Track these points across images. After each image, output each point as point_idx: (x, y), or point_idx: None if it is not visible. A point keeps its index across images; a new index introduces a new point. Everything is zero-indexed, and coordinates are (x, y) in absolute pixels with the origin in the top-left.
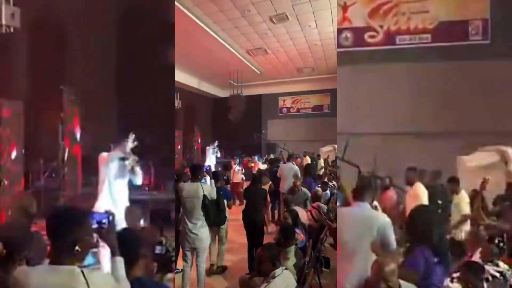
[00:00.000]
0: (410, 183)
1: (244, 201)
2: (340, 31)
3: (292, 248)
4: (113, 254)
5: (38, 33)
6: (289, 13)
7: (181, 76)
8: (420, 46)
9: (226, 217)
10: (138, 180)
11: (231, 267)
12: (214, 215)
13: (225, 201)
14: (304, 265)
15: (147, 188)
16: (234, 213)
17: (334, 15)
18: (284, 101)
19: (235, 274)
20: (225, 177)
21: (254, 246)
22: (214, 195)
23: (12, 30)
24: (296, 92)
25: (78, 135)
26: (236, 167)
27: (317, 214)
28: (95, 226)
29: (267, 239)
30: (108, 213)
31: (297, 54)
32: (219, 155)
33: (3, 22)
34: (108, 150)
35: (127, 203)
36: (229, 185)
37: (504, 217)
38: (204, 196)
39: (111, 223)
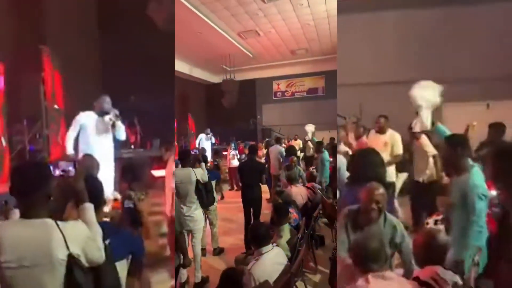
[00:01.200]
0: (381, 131)
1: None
2: None
3: (286, 226)
4: (82, 201)
5: None
6: None
7: None
8: None
9: (214, 198)
10: (122, 135)
11: (229, 249)
12: (205, 196)
13: (213, 183)
14: (297, 242)
15: (132, 146)
16: (235, 196)
17: None
18: (278, 85)
19: (232, 255)
20: (215, 162)
21: (249, 223)
22: (206, 178)
23: None
24: (290, 75)
25: (60, 95)
26: (232, 152)
27: (311, 193)
28: (60, 173)
29: (263, 218)
30: (75, 161)
31: (290, 35)
32: (213, 141)
33: None
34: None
35: (111, 160)
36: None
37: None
38: (197, 180)
39: (78, 170)
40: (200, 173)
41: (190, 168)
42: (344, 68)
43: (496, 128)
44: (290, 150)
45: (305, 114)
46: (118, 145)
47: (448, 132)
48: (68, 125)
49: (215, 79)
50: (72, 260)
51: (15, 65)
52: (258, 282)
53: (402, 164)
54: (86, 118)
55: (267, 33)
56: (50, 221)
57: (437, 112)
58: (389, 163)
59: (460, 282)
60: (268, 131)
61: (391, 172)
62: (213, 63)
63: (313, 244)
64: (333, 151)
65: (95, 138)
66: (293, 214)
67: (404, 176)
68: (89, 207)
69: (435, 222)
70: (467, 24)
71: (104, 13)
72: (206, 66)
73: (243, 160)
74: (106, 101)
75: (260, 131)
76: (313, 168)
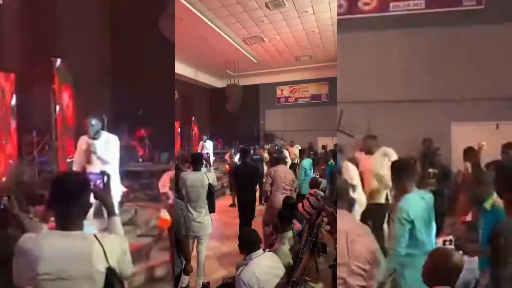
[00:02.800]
0: (369, 152)
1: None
2: None
3: (288, 233)
4: (110, 214)
5: (27, 3)
6: None
7: (177, 67)
8: (413, 12)
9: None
10: (105, 161)
11: (230, 254)
12: (213, 202)
13: None
14: (300, 249)
15: (140, 160)
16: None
17: (331, 0)
18: (281, 90)
19: (233, 260)
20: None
21: (244, 226)
22: (215, 182)
23: (1, 1)
24: (293, 81)
25: (70, 107)
26: (235, 157)
27: (315, 200)
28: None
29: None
30: (103, 174)
31: (294, 42)
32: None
33: None
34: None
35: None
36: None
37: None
38: (209, 184)
39: (107, 183)
40: (212, 177)
41: (203, 172)
42: (344, 86)
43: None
44: (313, 184)
45: (308, 120)
46: (127, 158)
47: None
48: (76, 138)
49: (219, 83)
50: (110, 273)
51: (26, 76)
52: (248, 285)
53: None
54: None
55: (272, 39)
56: (89, 233)
57: (445, 132)
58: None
59: None
60: (271, 136)
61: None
62: (218, 68)
63: (316, 252)
64: (334, 158)
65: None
66: (297, 225)
67: None
68: (118, 220)
69: None
70: (475, 44)
71: (116, 27)
72: (211, 71)
73: (237, 164)
74: (90, 129)
75: (263, 136)
76: (316, 175)
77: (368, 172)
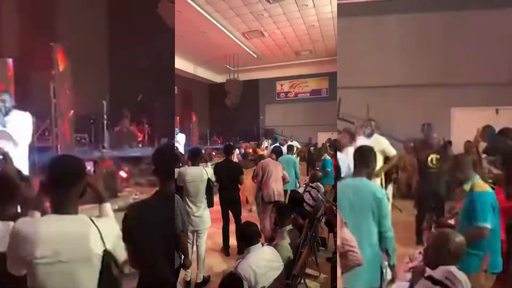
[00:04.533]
0: (370, 135)
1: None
2: None
3: (288, 227)
4: (101, 200)
5: None
6: None
7: (176, 62)
8: None
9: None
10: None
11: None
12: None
13: None
14: (300, 244)
15: (140, 145)
16: None
17: None
18: (281, 85)
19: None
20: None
21: (227, 225)
22: (213, 177)
23: None
24: (294, 76)
25: (69, 93)
26: (236, 151)
27: (316, 193)
28: None
29: (249, 218)
30: (3, 155)
31: (295, 36)
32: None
33: None
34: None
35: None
36: None
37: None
38: (209, 179)
39: (8, 163)
40: (211, 172)
41: (201, 167)
42: (344, 70)
43: (506, 134)
44: (313, 178)
45: (308, 115)
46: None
47: None
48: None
49: (219, 78)
50: (107, 256)
51: (25, 62)
52: (245, 278)
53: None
54: None
55: (272, 33)
56: (85, 216)
57: (445, 116)
58: (383, 168)
59: (469, 283)
60: (270, 131)
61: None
62: (217, 62)
63: (316, 247)
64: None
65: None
66: (299, 220)
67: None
68: (109, 206)
69: None
70: (475, 29)
71: (114, 12)
72: (210, 66)
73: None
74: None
75: (263, 131)
76: (317, 169)
77: None
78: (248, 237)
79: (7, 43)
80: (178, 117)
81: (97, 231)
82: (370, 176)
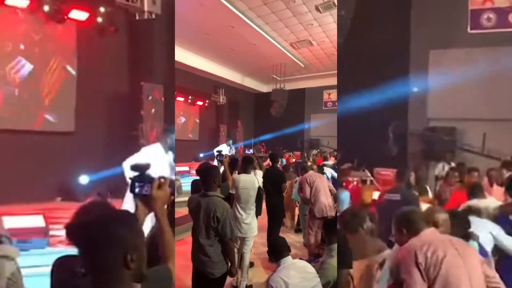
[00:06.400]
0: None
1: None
2: (477, 11)
3: (336, 245)
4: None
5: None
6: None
7: (225, 73)
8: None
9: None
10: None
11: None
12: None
13: None
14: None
15: None
16: None
17: None
18: (329, 94)
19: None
20: None
21: (272, 231)
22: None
23: (153, 16)
24: None
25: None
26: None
27: None
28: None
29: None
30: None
31: None
32: (234, 152)
33: (145, 8)
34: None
35: None
36: None
37: None
38: (259, 187)
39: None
40: (261, 181)
41: (253, 175)
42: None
43: None
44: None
45: None
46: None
47: None
48: None
49: (265, 88)
50: None
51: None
52: None
53: None
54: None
55: (320, 42)
56: None
57: None
58: None
59: None
60: (315, 141)
61: None
62: (264, 72)
63: None
64: None
65: None
66: None
67: None
68: None
69: None
70: None
71: None
72: (257, 75)
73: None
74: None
75: (308, 141)
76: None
77: None
78: (277, 250)
79: (158, 69)
80: (225, 125)
81: None
82: None
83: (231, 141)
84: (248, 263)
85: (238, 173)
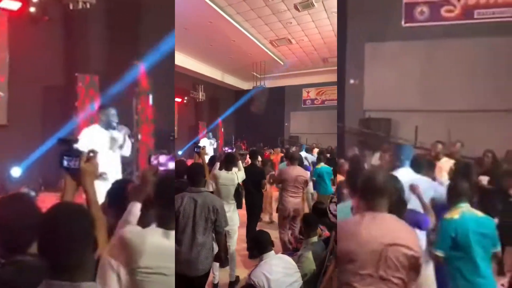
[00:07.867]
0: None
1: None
2: (411, 5)
3: (315, 238)
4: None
5: (113, 8)
6: None
7: (205, 69)
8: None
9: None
10: (128, 151)
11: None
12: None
13: None
14: (326, 257)
15: None
16: None
17: None
18: (308, 92)
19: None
20: None
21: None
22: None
23: (88, 6)
24: (321, 83)
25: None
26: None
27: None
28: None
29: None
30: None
31: (323, 43)
32: (215, 146)
33: None
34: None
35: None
36: None
37: None
38: (238, 184)
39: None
40: (241, 176)
41: (234, 172)
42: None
43: None
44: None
45: (334, 123)
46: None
47: None
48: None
49: (245, 85)
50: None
51: (111, 78)
52: (259, 285)
53: None
54: (95, 136)
55: (300, 41)
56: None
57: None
58: None
59: None
60: (295, 138)
61: None
62: (244, 70)
63: None
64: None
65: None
66: (325, 232)
67: None
68: None
69: None
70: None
71: None
72: (237, 73)
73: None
74: (112, 114)
75: (287, 138)
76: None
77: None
78: (262, 244)
79: (94, 60)
80: (205, 122)
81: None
82: None
83: (211, 134)
84: (235, 255)
85: (220, 169)
